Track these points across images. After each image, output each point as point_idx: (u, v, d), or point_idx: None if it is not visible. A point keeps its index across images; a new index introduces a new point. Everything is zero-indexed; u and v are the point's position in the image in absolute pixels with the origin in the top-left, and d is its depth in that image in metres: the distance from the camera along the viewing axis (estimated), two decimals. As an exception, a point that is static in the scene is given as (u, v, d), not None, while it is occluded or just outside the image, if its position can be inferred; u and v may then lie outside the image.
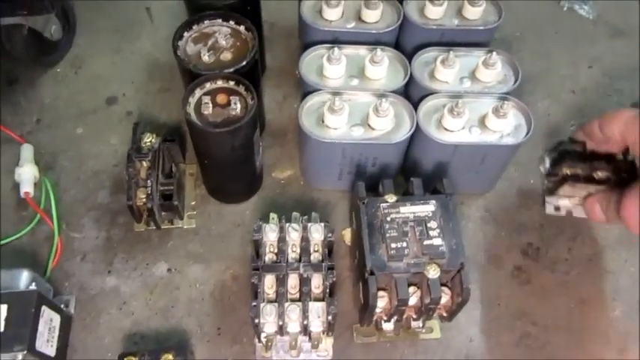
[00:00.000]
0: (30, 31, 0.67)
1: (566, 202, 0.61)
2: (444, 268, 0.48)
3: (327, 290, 0.50)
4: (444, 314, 0.52)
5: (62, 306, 0.55)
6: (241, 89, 0.55)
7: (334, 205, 0.64)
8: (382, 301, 0.50)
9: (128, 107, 0.71)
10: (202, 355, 0.55)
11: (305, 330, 0.49)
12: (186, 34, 0.59)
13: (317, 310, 0.49)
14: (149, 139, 0.58)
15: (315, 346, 0.53)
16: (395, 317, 0.52)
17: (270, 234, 0.52)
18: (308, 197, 0.65)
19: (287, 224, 0.53)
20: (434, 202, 0.50)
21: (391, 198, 0.51)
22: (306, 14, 0.64)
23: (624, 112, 0.51)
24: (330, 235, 0.52)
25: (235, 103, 0.54)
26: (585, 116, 0.72)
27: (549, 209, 0.62)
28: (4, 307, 0.47)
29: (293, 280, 0.51)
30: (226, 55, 0.58)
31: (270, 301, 0.50)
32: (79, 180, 0.65)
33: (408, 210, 0.50)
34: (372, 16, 0.63)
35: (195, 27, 0.60)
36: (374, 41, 0.63)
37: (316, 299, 0.50)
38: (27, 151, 0.64)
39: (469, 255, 0.61)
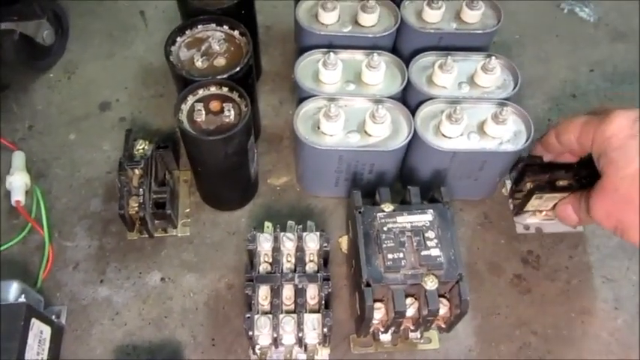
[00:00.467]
0: (21, 36, 0.66)
1: (535, 219, 0.62)
2: (441, 280, 0.47)
3: (323, 302, 0.49)
4: (443, 325, 0.51)
5: (53, 317, 0.54)
6: (235, 96, 0.54)
7: (331, 212, 0.63)
8: (379, 313, 0.49)
9: (121, 113, 0.70)
10: (196, 366, 0.54)
11: (300, 342, 0.49)
12: (179, 39, 0.58)
13: (312, 321, 0.48)
14: (142, 147, 0.57)
15: (310, 357, 0.52)
16: (392, 329, 0.50)
17: (264, 243, 0.51)
18: (304, 204, 0.64)
19: (281, 234, 0.52)
20: (431, 211, 0.49)
21: (388, 207, 0.50)
22: (302, 18, 0.63)
23: (578, 117, 0.52)
24: (325, 244, 0.51)
25: (229, 110, 0.52)
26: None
27: (519, 229, 0.62)
28: (-8, 320, 0.46)
29: (288, 291, 0.50)
30: (220, 61, 0.57)
31: (265, 313, 0.49)
32: (72, 188, 0.64)
33: (405, 219, 0.49)
34: (368, 19, 0.62)
35: (188, 32, 0.59)
36: (371, 45, 0.62)
37: (311, 311, 0.49)
38: (18, 158, 0.64)
39: (468, 263, 0.60)
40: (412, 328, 0.51)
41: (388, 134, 0.57)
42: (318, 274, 0.50)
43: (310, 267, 0.51)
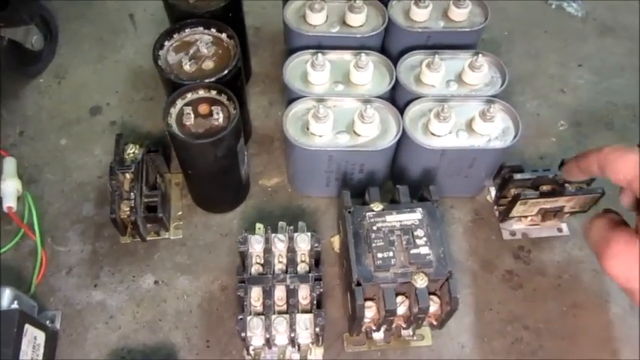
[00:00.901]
0: (10, 42, 0.66)
1: (521, 225, 0.62)
2: (431, 277, 0.47)
3: (315, 302, 0.49)
4: (434, 322, 0.51)
5: (47, 322, 0.54)
6: (224, 99, 0.54)
7: (323, 212, 0.64)
8: (370, 312, 0.49)
9: (112, 117, 0.70)
10: (191, 368, 0.54)
11: (293, 342, 0.49)
12: (167, 43, 0.58)
13: (304, 321, 0.49)
14: (132, 151, 0.57)
15: (304, 357, 0.52)
16: (384, 327, 0.51)
17: (255, 245, 0.51)
18: (296, 205, 0.64)
19: (273, 235, 0.52)
20: (420, 210, 0.50)
21: (377, 207, 0.50)
22: (290, 19, 0.63)
23: (630, 151, 0.41)
24: (316, 244, 0.51)
25: (218, 113, 0.53)
26: (577, 115, 0.71)
27: (506, 235, 0.62)
28: (-14, 327, 0.47)
29: (280, 292, 0.50)
30: (208, 64, 0.57)
31: (257, 314, 0.49)
32: (64, 192, 0.64)
33: (395, 219, 0.49)
34: (356, 20, 0.63)
35: (176, 36, 0.59)
36: (359, 45, 0.62)
37: (304, 311, 0.50)
38: (10, 164, 0.64)
39: (460, 260, 0.60)
40: (404, 326, 0.51)
41: (377, 134, 0.57)
42: (310, 275, 0.50)
43: (302, 267, 0.51)
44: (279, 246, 0.52)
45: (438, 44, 0.63)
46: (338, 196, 0.62)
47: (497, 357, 0.55)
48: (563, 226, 0.62)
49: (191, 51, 0.58)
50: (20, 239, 0.60)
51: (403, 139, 0.56)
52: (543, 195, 0.56)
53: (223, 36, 0.59)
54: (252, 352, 0.51)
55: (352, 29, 0.63)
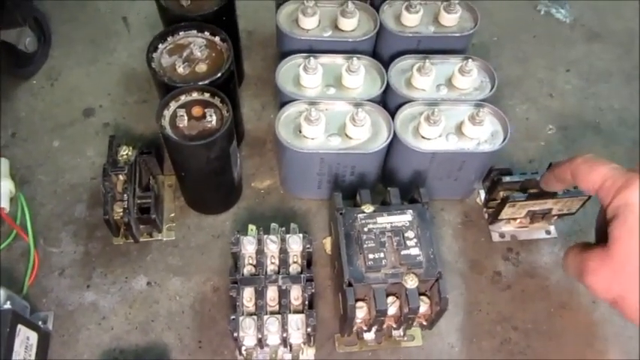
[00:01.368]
0: (3, 43, 0.66)
1: (510, 227, 0.63)
2: (421, 278, 0.48)
3: (307, 302, 0.50)
4: (424, 323, 0.52)
5: (40, 323, 0.54)
6: (217, 101, 0.55)
7: (315, 213, 0.64)
8: (361, 312, 0.50)
9: (105, 119, 0.71)
10: (183, 369, 0.55)
11: (285, 342, 0.49)
12: (160, 45, 0.59)
13: (296, 322, 0.49)
14: (125, 152, 0.57)
15: (295, 357, 0.53)
16: (375, 327, 0.51)
17: (248, 246, 0.52)
18: (288, 207, 0.65)
19: (265, 236, 0.52)
20: (411, 211, 0.50)
21: (368, 208, 0.51)
22: (283, 23, 0.64)
23: (602, 164, 0.45)
24: (308, 246, 0.52)
25: (211, 116, 0.53)
26: (565, 120, 0.73)
27: (495, 237, 0.63)
28: (-22, 327, 0.47)
29: (272, 293, 0.51)
30: (202, 67, 0.58)
31: (250, 314, 0.49)
32: (56, 194, 0.64)
33: (385, 220, 0.50)
34: (348, 24, 0.63)
35: (169, 38, 0.59)
36: (351, 50, 0.63)
37: (295, 311, 0.50)
38: (2, 166, 0.63)
39: (449, 261, 0.61)
40: (394, 326, 0.52)
41: (368, 137, 0.58)
42: (302, 275, 0.51)
43: (294, 268, 0.52)
44: (272, 247, 0.52)
45: (428, 49, 0.64)
46: (329, 198, 0.63)
47: (487, 357, 0.56)
48: (552, 228, 0.63)
49: (184, 54, 0.58)
50: (13, 240, 0.60)
51: (394, 142, 0.57)
52: (531, 197, 0.57)
53: (216, 39, 0.59)
54: (244, 353, 0.52)
55: (344, 33, 0.64)
